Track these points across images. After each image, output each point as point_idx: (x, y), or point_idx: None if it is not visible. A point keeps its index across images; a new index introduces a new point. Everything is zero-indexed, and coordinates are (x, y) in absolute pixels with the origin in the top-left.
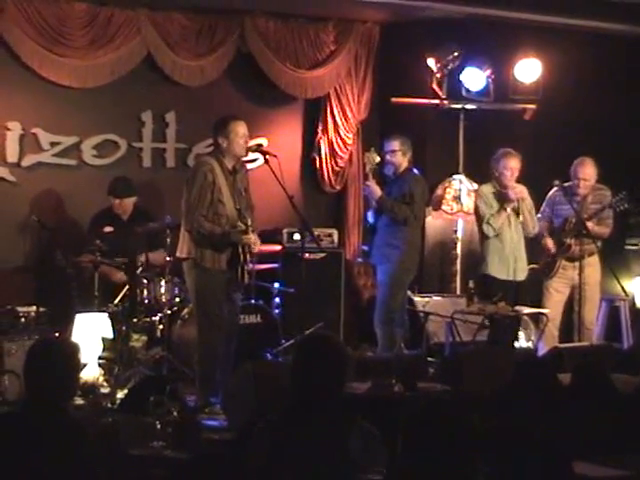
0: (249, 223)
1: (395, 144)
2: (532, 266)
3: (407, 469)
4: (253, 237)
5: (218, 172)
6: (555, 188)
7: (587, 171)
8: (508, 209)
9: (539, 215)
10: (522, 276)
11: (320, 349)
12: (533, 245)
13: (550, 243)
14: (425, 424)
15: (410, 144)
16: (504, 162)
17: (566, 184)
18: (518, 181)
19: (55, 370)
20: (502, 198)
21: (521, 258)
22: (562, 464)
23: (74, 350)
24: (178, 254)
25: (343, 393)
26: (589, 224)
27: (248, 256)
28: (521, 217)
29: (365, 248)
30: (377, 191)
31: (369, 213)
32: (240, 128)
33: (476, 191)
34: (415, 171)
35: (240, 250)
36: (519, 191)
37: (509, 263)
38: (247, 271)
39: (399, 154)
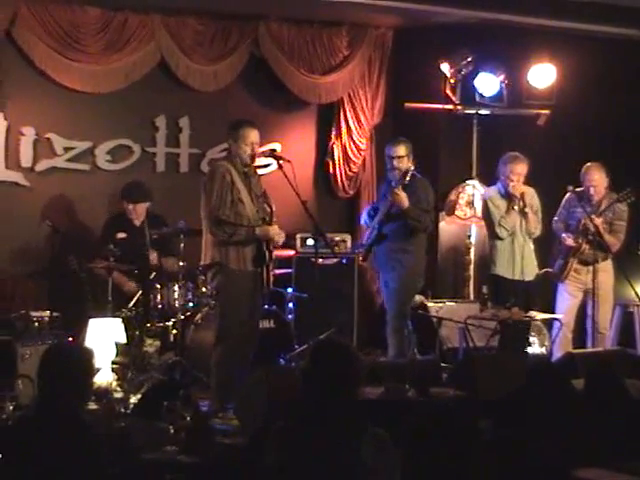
0: (274, 208)
1: (402, 149)
2: (546, 270)
3: (415, 476)
4: (277, 228)
5: (234, 173)
6: (569, 193)
7: (594, 177)
8: (516, 207)
9: (555, 218)
10: (530, 276)
11: (333, 354)
12: (547, 248)
13: (569, 239)
14: (431, 431)
15: (412, 148)
16: (511, 167)
17: (578, 189)
18: (530, 185)
19: (69, 375)
20: (508, 198)
21: (529, 258)
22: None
23: (89, 355)
24: (202, 261)
25: (356, 399)
26: (599, 223)
27: (273, 254)
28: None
29: (360, 249)
30: (405, 200)
31: (364, 216)
32: (250, 134)
33: (482, 195)
34: (419, 175)
35: (264, 246)
36: (520, 187)
37: (517, 263)
38: (272, 273)
39: (405, 159)
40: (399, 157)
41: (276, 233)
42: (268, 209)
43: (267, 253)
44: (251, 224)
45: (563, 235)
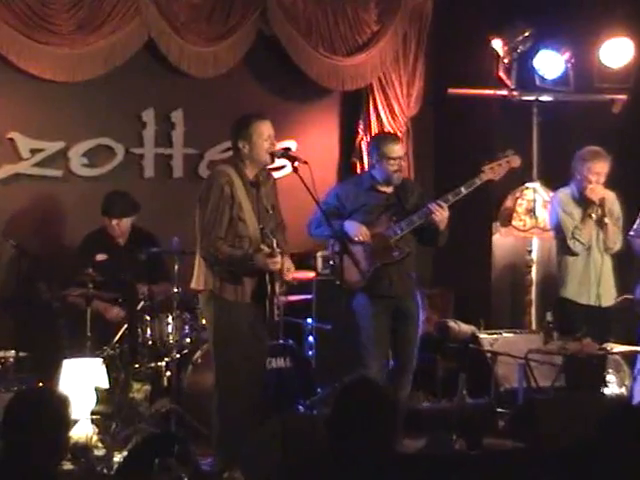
0: (274, 245)
1: (402, 149)
2: (626, 297)
3: None
4: (282, 261)
5: (238, 184)
6: None
7: None
8: (593, 215)
9: (632, 233)
10: (608, 301)
11: (363, 398)
12: (626, 266)
13: None
14: None
15: None
16: (590, 165)
17: None
18: (605, 187)
19: (40, 428)
20: (584, 204)
21: (607, 278)
22: None
23: (63, 403)
24: (193, 286)
25: (392, 453)
26: None
27: (277, 286)
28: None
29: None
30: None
31: (349, 225)
32: (265, 128)
33: (552, 198)
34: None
35: (267, 279)
36: (599, 191)
37: (592, 285)
38: (277, 305)
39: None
40: (401, 157)
41: (279, 269)
42: (273, 240)
43: (270, 285)
44: (252, 247)
45: None
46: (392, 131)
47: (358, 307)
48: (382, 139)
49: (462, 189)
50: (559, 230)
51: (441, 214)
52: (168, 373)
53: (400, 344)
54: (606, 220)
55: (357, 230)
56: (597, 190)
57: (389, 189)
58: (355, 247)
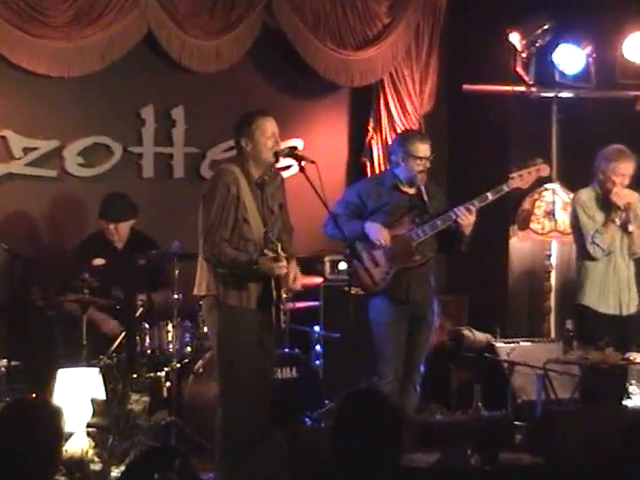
0: (279, 249)
1: (430, 148)
2: None
3: None
4: (288, 266)
5: (243, 184)
6: None
7: None
8: (617, 220)
9: None
10: (631, 309)
11: (367, 409)
12: None
13: None
14: None
15: None
16: (614, 165)
17: None
18: (629, 188)
19: (31, 440)
20: (608, 206)
21: (630, 287)
22: None
23: (56, 414)
24: (196, 291)
25: (400, 466)
26: None
27: (283, 292)
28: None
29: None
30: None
31: (370, 228)
32: (268, 125)
33: (573, 199)
34: None
35: (273, 284)
36: (624, 195)
37: (614, 293)
38: (283, 311)
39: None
40: (427, 158)
41: (284, 273)
42: (277, 244)
43: (276, 291)
44: (257, 250)
45: None
46: (403, 129)
47: (375, 312)
48: (408, 137)
49: (489, 195)
50: (579, 233)
51: (468, 219)
52: (168, 384)
53: (411, 349)
54: (630, 228)
55: (379, 234)
56: (623, 194)
57: (412, 190)
58: (375, 249)
